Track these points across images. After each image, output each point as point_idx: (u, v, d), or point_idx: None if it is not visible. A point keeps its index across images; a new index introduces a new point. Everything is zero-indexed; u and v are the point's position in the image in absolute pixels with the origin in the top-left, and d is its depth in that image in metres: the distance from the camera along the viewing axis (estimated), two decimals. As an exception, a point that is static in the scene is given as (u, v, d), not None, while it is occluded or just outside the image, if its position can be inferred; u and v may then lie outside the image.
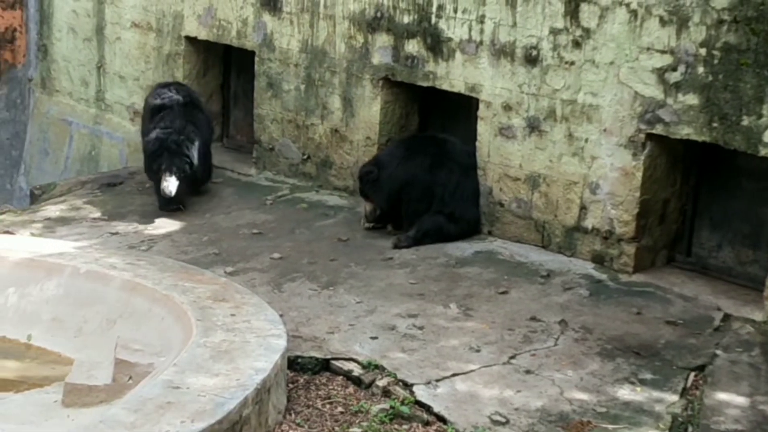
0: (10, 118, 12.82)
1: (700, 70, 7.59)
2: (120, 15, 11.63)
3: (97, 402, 6.12)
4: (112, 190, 10.29)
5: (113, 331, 6.84)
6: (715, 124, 7.57)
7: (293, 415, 6.25)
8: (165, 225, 9.20)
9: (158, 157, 9.33)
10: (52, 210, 9.69)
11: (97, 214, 9.53)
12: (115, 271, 7.27)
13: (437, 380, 6.54)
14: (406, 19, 9.22)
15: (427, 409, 6.27)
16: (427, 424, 6.17)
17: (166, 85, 10.17)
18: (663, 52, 7.75)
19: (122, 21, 11.62)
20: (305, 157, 10.21)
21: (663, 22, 7.73)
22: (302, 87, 10.10)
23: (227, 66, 11.42)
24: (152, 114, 9.73)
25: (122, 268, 7.33)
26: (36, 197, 10.58)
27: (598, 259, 8.27)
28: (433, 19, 9.03)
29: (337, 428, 6.12)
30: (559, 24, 8.27)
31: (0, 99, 12.75)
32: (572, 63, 8.24)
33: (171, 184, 9.18)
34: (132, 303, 6.98)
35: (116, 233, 8.99)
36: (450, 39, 8.93)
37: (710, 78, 7.56)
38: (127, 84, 11.71)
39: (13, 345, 7.12)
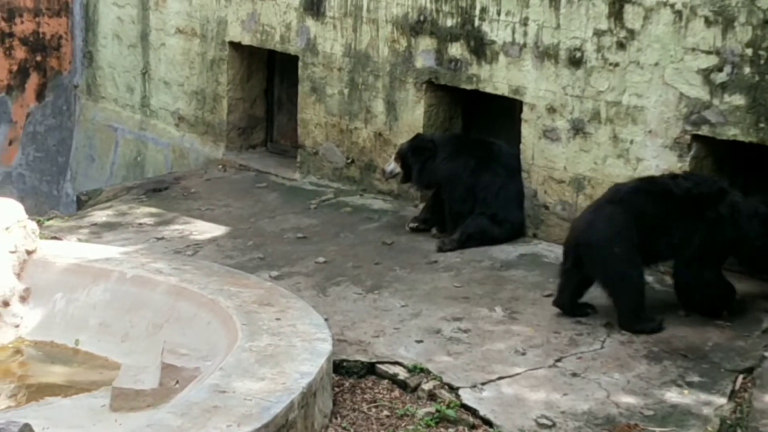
0: (56, 125, 12.92)
1: (747, 70, 7.54)
2: (164, 21, 11.70)
3: (145, 406, 6.16)
4: (158, 196, 10.35)
5: (160, 336, 6.88)
6: (762, 125, 7.50)
7: (339, 419, 6.25)
8: (210, 230, 9.23)
9: None
10: (99, 216, 9.76)
11: (143, 220, 9.58)
12: (161, 276, 7.31)
13: (483, 383, 6.53)
14: (449, 23, 9.21)
15: (473, 412, 6.26)
16: (473, 427, 6.16)
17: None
18: (708, 52, 7.70)
19: (167, 27, 11.69)
20: (349, 161, 10.22)
21: (708, 23, 7.67)
22: (346, 91, 10.11)
23: (271, 71, 11.46)
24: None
25: (168, 272, 7.37)
26: (82, 203, 10.66)
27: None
28: (477, 22, 9.01)
29: (382, 432, 6.14)
30: (603, 25, 8.23)
31: (46, 106, 12.86)
32: (617, 64, 8.20)
33: None
34: (178, 308, 7.01)
35: (162, 238, 9.04)
36: (493, 42, 8.91)
37: (757, 78, 7.50)
38: (171, 90, 11.77)
39: (61, 350, 7.19)
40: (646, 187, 7.41)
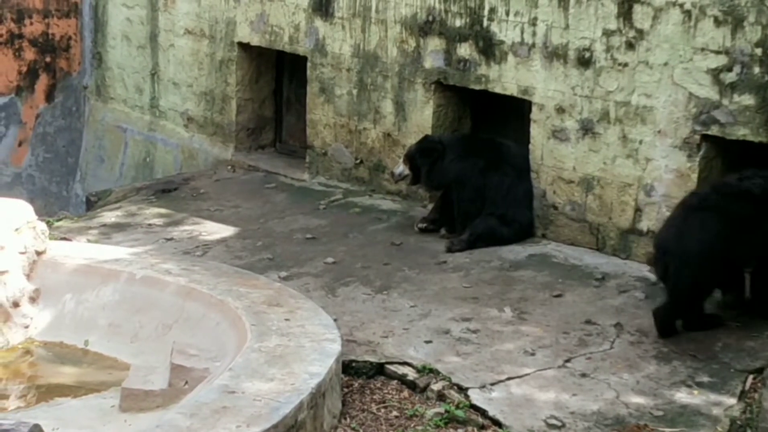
0: (65, 126, 12.94)
1: (756, 70, 7.52)
2: (173, 22, 11.71)
3: (154, 407, 6.17)
4: (167, 196, 10.36)
5: (169, 336, 6.89)
6: (771, 125, 7.51)
7: (348, 420, 6.26)
8: (219, 231, 9.24)
9: None
10: (108, 216, 9.77)
11: (152, 220, 9.59)
12: (170, 277, 7.32)
13: (492, 384, 6.53)
14: (458, 23, 9.21)
15: (482, 413, 6.26)
16: (482, 428, 6.15)
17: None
18: (718, 52, 7.69)
19: (175, 28, 11.70)
20: (358, 161, 10.22)
21: (717, 23, 7.66)
22: (354, 92, 10.12)
23: (280, 71, 11.47)
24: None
25: (177, 273, 7.37)
26: (92, 204, 10.68)
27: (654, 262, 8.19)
28: (485, 22, 9.01)
29: (392, 432, 6.14)
30: (612, 25, 8.22)
31: (56, 107, 12.88)
32: (626, 64, 8.19)
33: None
34: (187, 308, 7.02)
35: (171, 239, 9.05)
36: (502, 42, 8.91)
37: (766, 78, 7.48)
38: (180, 91, 11.78)
39: (70, 350, 7.20)
40: (726, 190, 7.22)
